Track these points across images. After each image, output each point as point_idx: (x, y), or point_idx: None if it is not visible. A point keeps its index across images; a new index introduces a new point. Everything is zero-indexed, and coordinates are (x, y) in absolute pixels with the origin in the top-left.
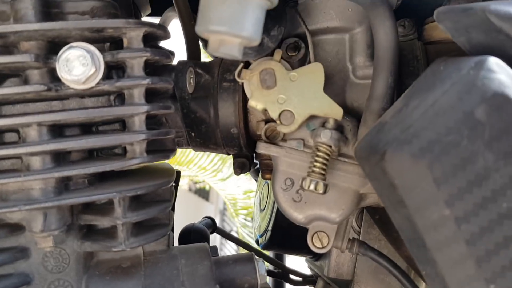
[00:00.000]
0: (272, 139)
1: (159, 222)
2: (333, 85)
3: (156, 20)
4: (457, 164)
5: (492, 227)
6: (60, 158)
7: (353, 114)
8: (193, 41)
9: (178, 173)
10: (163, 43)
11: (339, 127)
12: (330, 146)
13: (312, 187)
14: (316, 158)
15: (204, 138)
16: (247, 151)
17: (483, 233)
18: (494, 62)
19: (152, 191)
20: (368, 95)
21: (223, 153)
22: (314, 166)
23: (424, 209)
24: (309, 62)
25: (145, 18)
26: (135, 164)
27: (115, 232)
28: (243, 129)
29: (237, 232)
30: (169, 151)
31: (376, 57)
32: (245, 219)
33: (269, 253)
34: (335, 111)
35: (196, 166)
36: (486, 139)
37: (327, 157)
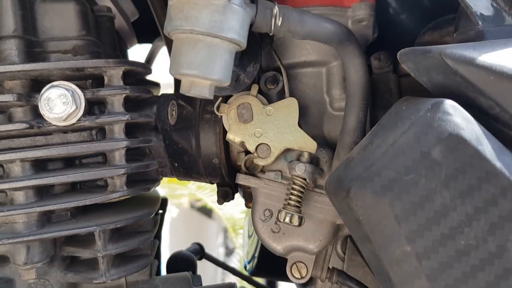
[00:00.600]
0: (251, 170)
1: (141, 252)
2: (311, 117)
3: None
4: (416, 202)
5: (451, 263)
6: (43, 192)
7: (330, 145)
8: None
9: (165, 200)
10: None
11: (314, 160)
12: (305, 179)
13: (287, 219)
14: (292, 191)
15: (187, 168)
16: (230, 180)
17: (443, 269)
18: (449, 104)
19: (134, 222)
20: (341, 129)
21: (207, 182)
22: (290, 198)
23: (387, 245)
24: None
25: (136, 47)
26: (115, 198)
27: (96, 264)
28: (224, 160)
29: (230, 253)
30: (152, 182)
31: (348, 93)
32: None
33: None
34: (309, 145)
35: (195, 185)
36: (443, 178)
37: (302, 189)
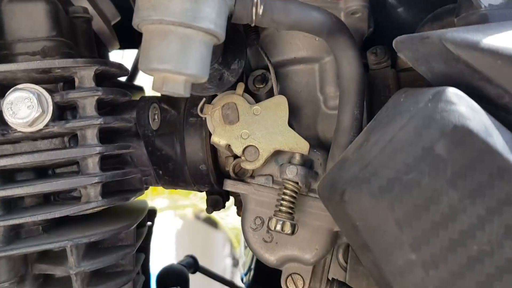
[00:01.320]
0: (240, 175)
1: (122, 268)
2: (304, 117)
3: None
4: (419, 204)
5: (462, 272)
6: (11, 205)
7: (325, 146)
8: None
9: (153, 211)
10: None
11: (307, 162)
12: (297, 183)
13: (278, 227)
14: (283, 196)
15: (173, 176)
16: (219, 187)
17: (454, 279)
18: (452, 92)
19: (111, 236)
20: (335, 128)
21: (195, 190)
22: (281, 204)
23: (389, 253)
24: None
25: (122, 51)
26: (89, 209)
27: (70, 282)
28: (212, 166)
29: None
30: (133, 192)
31: (341, 89)
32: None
33: None
34: (301, 146)
35: (197, 195)
36: (449, 176)
37: (294, 194)
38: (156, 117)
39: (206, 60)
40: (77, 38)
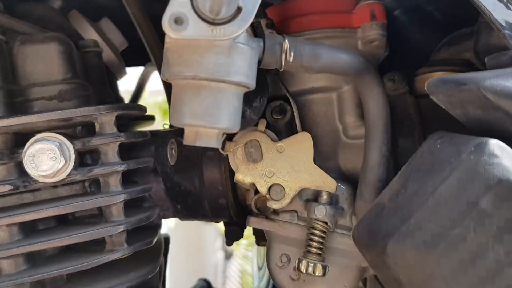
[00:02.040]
0: (263, 210)
1: None
2: (324, 147)
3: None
4: (465, 259)
5: None
6: (34, 257)
7: (348, 177)
8: None
9: (167, 240)
10: None
11: (333, 197)
12: (326, 223)
13: (310, 270)
14: (312, 237)
15: (191, 210)
16: (239, 220)
17: None
18: (495, 145)
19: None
20: (362, 165)
21: (212, 222)
22: (310, 245)
23: None
24: (295, 125)
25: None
26: (114, 258)
27: None
28: (232, 199)
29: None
30: (153, 230)
31: (367, 126)
32: (246, 249)
33: None
34: (328, 183)
35: None
36: (495, 231)
37: (323, 234)
38: (173, 152)
39: (238, 111)
40: (89, 73)
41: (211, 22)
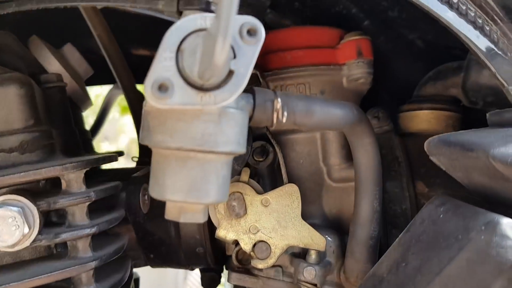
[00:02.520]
0: (245, 262)
1: None
2: (307, 191)
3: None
4: None
5: None
6: None
7: (333, 224)
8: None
9: (137, 281)
10: None
11: (321, 253)
12: (315, 285)
13: None
14: None
15: (165, 259)
16: (217, 267)
17: None
18: (508, 225)
19: None
20: (352, 220)
21: (188, 269)
22: None
23: None
24: (278, 166)
25: None
26: None
27: None
28: (210, 248)
29: None
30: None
31: (357, 179)
32: None
33: None
34: (317, 241)
35: None
36: None
37: None
38: (146, 198)
39: (227, 181)
40: (53, 113)
41: (200, 88)
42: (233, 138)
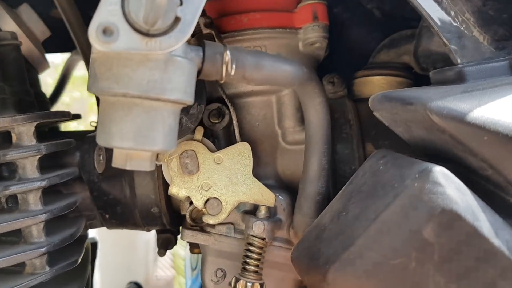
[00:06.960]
0: (198, 221)
1: None
2: (262, 153)
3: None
4: None
5: None
6: None
7: (286, 184)
8: None
9: (95, 245)
10: None
11: (271, 209)
12: (264, 239)
13: None
14: (249, 254)
15: (121, 219)
16: (172, 228)
17: None
18: (440, 173)
19: None
20: (301, 177)
21: (144, 230)
22: (247, 263)
23: None
24: (233, 129)
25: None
26: (34, 284)
27: None
28: (165, 208)
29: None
30: (79, 246)
31: (308, 136)
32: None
33: None
34: (267, 197)
35: None
36: (436, 261)
37: (261, 251)
38: (101, 158)
39: (174, 131)
40: (6, 70)
41: (145, 34)
42: (179, 87)
